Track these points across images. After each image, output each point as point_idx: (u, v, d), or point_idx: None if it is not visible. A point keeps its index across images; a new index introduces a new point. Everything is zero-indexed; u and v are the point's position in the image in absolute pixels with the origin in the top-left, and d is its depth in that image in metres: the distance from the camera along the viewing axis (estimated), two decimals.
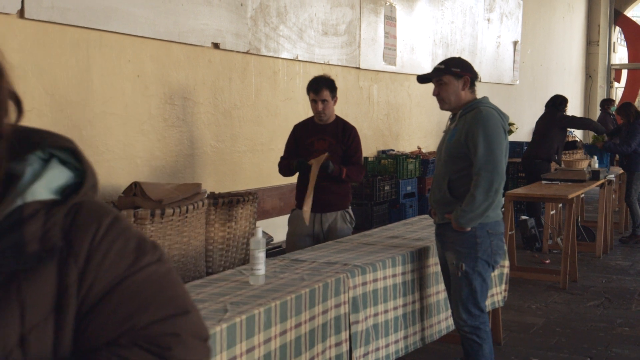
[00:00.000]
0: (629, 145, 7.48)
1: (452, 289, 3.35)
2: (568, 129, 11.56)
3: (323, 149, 4.22)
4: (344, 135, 4.28)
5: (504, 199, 3.39)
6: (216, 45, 4.82)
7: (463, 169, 3.21)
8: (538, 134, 7.74)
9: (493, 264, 3.29)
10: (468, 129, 3.18)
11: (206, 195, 4.18)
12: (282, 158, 4.42)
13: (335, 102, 4.28)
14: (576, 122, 7.98)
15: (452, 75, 3.28)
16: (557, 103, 7.65)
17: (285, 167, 4.34)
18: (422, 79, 3.42)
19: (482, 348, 3.27)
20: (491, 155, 3.11)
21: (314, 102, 4.23)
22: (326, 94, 4.20)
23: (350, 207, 4.41)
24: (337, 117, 4.38)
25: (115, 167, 4.09)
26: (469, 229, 3.18)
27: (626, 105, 7.83)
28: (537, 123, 7.82)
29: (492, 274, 4.10)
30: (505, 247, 3.57)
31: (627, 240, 7.74)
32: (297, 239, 4.29)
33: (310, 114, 4.49)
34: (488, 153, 3.11)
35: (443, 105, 3.35)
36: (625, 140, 7.58)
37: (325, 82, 4.22)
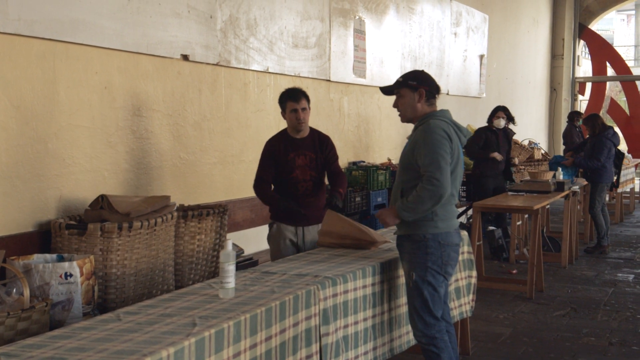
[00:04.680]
0: (598, 160, 7.53)
1: (407, 300, 3.42)
2: (532, 141, 11.73)
3: (304, 164, 4.21)
4: (321, 147, 4.30)
5: (458, 210, 3.47)
6: (185, 57, 4.81)
7: (412, 179, 3.30)
8: None
9: (444, 274, 3.34)
10: (415, 141, 3.29)
11: (175, 208, 4.15)
12: (259, 179, 4.24)
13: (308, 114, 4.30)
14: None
15: (408, 88, 3.38)
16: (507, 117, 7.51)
17: (268, 201, 4.26)
18: (385, 90, 3.51)
19: (440, 358, 3.32)
20: (435, 165, 3.18)
21: (293, 111, 4.18)
22: (304, 102, 4.23)
23: None
24: (311, 129, 4.37)
25: (82, 179, 4.04)
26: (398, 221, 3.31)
27: (592, 117, 7.80)
28: None
29: (460, 284, 4.15)
30: (459, 258, 3.62)
31: (592, 250, 7.88)
32: (283, 253, 4.19)
33: (281, 126, 4.49)
34: (432, 162, 3.19)
35: (401, 117, 3.46)
36: (592, 154, 7.61)
37: (303, 92, 4.26)
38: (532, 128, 13.54)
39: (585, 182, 8.19)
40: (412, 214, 3.25)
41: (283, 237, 4.26)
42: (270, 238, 4.36)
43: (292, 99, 4.20)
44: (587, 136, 8.10)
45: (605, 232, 7.85)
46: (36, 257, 3.40)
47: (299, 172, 4.21)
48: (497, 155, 7.36)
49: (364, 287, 3.34)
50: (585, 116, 8.21)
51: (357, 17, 7.15)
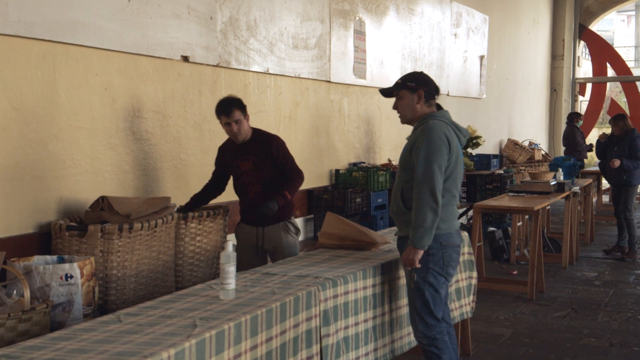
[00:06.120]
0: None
1: (408, 301, 3.42)
2: (532, 142, 11.69)
3: (249, 169, 4.20)
4: (265, 149, 4.20)
5: (459, 211, 3.46)
6: (185, 58, 4.81)
7: (412, 179, 3.29)
8: None
9: (445, 275, 3.34)
10: (414, 141, 3.29)
11: (175, 209, 4.15)
12: (210, 181, 4.44)
13: (247, 119, 4.18)
14: None
15: (407, 90, 3.39)
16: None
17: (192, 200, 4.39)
18: (384, 92, 3.52)
19: (441, 359, 3.32)
20: (428, 170, 3.18)
21: (227, 125, 4.15)
22: (238, 113, 4.12)
23: (292, 217, 4.37)
24: (255, 132, 4.28)
25: (82, 181, 4.04)
26: (424, 249, 3.22)
27: (623, 116, 7.67)
28: None
29: (461, 285, 4.15)
30: (460, 259, 3.61)
31: (610, 251, 7.82)
32: (241, 253, 4.25)
33: (282, 127, 4.49)
34: (426, 167, 3.19)
35: (401, 118, 3.48)
36: (630, 155, 7.44)
37: (235, 103, 4.14)
38: (532, 129, 13.55)
39: (587, 183, 8.17)
40: (421, 234, 3.19)
41: (244, 237, 4.32)
42: (235, 235, 4.45)
43: (224, 113, 4.13)
44: (610, 135, 7.82)
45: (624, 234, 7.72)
46: (36, 259, 3.40)
47: (246, 177, 4.23)
48: None
49: (365, 288, 3.34)
50: (614, 115, 8.00)
51: (357, 18, 7.15)
